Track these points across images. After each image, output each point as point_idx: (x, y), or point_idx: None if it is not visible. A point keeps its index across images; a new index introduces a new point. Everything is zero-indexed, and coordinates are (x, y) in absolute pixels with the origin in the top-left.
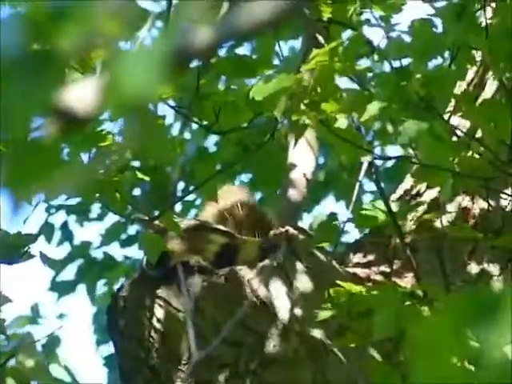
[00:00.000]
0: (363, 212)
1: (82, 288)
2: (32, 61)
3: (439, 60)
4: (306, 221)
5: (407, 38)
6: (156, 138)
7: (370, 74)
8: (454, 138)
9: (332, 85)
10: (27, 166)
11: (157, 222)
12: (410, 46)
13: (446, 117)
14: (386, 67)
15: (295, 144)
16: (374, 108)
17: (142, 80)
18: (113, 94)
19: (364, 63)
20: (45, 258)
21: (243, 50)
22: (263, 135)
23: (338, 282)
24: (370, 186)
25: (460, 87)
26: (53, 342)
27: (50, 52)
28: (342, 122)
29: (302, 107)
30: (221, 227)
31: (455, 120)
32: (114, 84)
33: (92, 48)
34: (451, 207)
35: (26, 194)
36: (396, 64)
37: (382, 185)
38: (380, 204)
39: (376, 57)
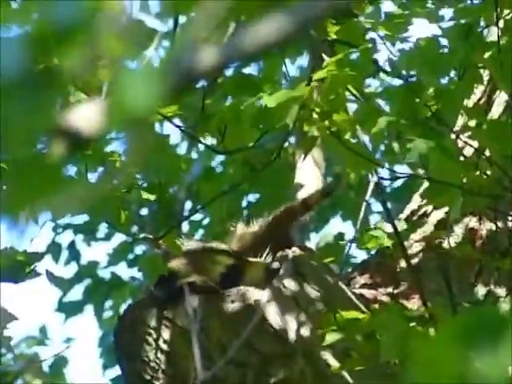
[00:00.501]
0: (369, 233)
1: (89, 308)
2: (35, 80)
3: (446, 80)
4: (314, 241)
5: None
6: (159, 155)
7: (379, 88)
8: (462, 158)
9: (342, 95)
10: (29, 185)
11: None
12: (419, 60)
13: (454, 135)
14: (396, 82)
15: (304, 158)
16: (383, 121)
17: (145, 98)
18: (117, 111)
19: (370, 83)
20: (51, 277)
21: (250, 68)
22: (270, 154)
23: (340, 310)
24: (377, 206)
25: (468, 104)
26: (60, 362)
27: (53, 71)
28: (349, 138)
29: (315, 116)
30: (227, 248)
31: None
32: (118, 102)
33: (97, 67)
34: (458, 228)
35: (27, 212)
36: (403, 80)
37: (389, 205)
38: (385, 226)
39: (382, 75)
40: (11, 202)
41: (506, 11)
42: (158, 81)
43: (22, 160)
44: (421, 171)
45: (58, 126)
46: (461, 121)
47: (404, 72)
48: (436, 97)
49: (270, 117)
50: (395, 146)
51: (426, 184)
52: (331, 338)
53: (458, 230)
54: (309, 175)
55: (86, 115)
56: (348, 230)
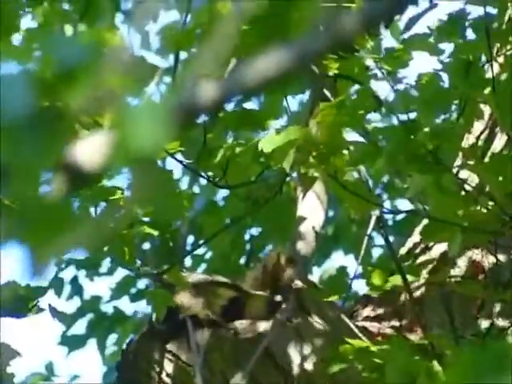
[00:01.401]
0: (372, 269)
1: (92, 342)
2: (41, 118)
3: (446, 115)
4: (316, 274)
5: (414, 92)
6: (163, 192)
7: (377, 126)
8: (463, 193)
9: (340, 138)
10: (40, 224)
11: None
12: (417, 100)
13: (454, 170)
14: (394, 120)
15: (304, 196)
16: (381, 162)
17: (149, 135)
18: (120, 149)
19: (372, 117)
20: (54, 312)
21: (251, 103)
22: (272, 188)
23: (347, 339)
24: (379, 239)
25: (468, 140)
26: None
27: (58, 109)
28: (350, 175)
29: (311, 160)
30: (229, 281)
31: (464, 174)
32: (121, 139)
33: (101, 105)
34: (461, 261)
35: (45, 252)
36: (403, 117)
37: (392, 238)
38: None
39: (384, 110)
40: (26, 242)
41: (507, 47)
42: (163, 118)
43: (29, 200)
44: (421, 206)
45: (61, 161)
46: (460, 156)
47: (401, 111)
48: (433, 137)
49: (267, 159)
50: (396, 181)
51: (425, 220)
52: (334, 368)
53: (461, 263)
54: (311, 208)
55: (89, 151)
56: (350, 263)
